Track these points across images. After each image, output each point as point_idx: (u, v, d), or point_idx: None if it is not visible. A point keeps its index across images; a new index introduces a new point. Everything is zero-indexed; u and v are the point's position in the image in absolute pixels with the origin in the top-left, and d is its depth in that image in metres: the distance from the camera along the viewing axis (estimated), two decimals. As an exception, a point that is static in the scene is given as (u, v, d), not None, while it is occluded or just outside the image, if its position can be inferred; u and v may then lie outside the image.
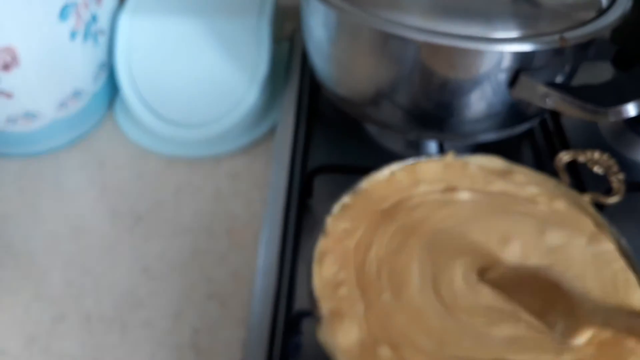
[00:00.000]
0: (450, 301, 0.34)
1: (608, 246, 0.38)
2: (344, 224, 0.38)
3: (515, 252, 0.37)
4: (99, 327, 0.49)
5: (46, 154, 0.62)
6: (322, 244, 0.37)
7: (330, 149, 0.57)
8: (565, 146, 0.55)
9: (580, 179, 0.49)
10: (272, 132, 0.62)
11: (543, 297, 0.34)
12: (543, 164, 0.55)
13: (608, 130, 0.60)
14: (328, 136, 0.58)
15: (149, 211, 0.57)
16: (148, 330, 0.48)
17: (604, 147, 0.46)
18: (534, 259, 0.37)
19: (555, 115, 0.58)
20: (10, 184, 0.60)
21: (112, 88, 0.65)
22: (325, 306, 0.34)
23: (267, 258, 0.47)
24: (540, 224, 0.39)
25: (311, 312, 0.34)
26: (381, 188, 0.41)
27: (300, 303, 0.45)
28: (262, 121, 0.62)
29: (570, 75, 0.49)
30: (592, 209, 0.40)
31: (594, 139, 0.60)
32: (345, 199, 0.40)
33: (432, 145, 0.56)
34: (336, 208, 0.39)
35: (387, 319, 0.33)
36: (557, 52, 0.45)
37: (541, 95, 0.44)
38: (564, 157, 0.44)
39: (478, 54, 0.43)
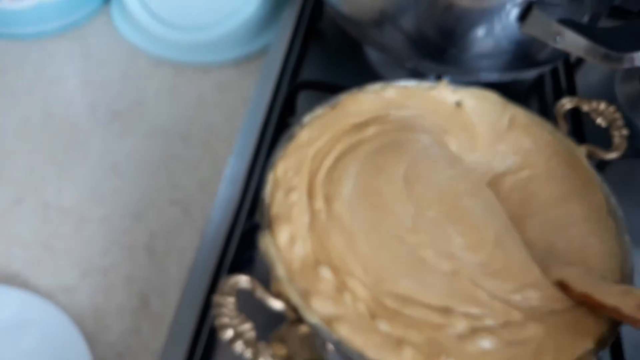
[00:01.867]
0: (383, 220, 0.32)
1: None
2: (310, 133, 0.35)
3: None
4: (56, 216, 0.47)
5: (33, 38, 0.59)
6: (284, 151, 0.34)
7: (324, 70, 0.54)
8: (574, 101, 0.51)
9: (581, 131, 0.46)
10: (267, 50, 0.58)
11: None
12: (547, 117, 0.51)
13: (625, 95, 0.56)
14: (324, 57, 0.55)
15: (128, 110, 0.54)
16: (105, 226, 0.46)
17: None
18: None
19: (568, 69, 0.54)
20: (-10, 63, 0.58)
21: (110, -21, 0.62)
22: (271, 211, 0.31)
23: (236, 168, 0.44)
24: None
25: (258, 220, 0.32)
26: (359, 104, 0.37)
27: (259, 217, 0.42)
28: (258, 36, 0.59)
29: (590, 24, 0.45)
30: (585, 161, 0.37)
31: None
32: (319, 110, 0.37)
33: (430, 79, 0.53)
34: (307, 118, 0.36)
35: (326, 237, 0.31)
36: (578, -12, 0.41)
37: (552, 33, 0.40)
38: (567, 103, 0.40)
39: (490, -24, 0.40)
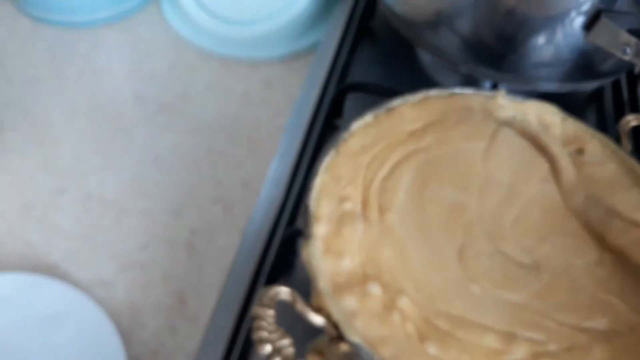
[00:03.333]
0: (432, 239, 0.30)
1: None
2: (363, 140, 0.34)
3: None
4: (97, 207, 0.47)
5: (84, 27, 0.60)
6: (332, 158, 0.33)
7: (374, 71, 0.52)
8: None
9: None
10: (315, 47, 0.57)
11: None
12: (606, 131, 0.49)
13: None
14: (374, 58, 0.53)
15: (173, 103, 0.54)
16: (146, 220, 0.46)
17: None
18: None
19: (632, 80, 0.52)
20: (42, 50, 0.58)
21: (162, -30, 0.62)
22: (317, 220, 0.30)
23: (280, 169, 0.44)
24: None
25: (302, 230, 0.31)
26: (415, 109, 0.36)
27: (301, 223, 0.41)
28: (308, 33, 0.58)
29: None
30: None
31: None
32: (369, 117, 0.36)
33: (486, 87, 0.51)
34: (356, 124, 0.35)
35: (377, 251, 0.30)
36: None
37: (621, 43, 0.38)
38: (632, 120, 0.38)
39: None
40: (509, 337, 0.28)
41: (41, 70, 0.56)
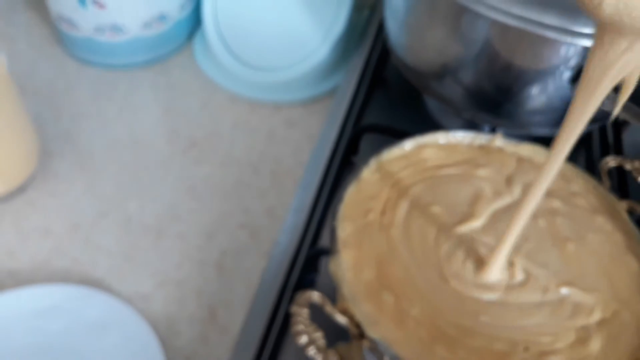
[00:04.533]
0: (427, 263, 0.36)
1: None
2: (389, 169, 0.40)
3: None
4: (137, 229, 0.52)
5: (124, 68, 0.66)
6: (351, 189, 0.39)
7: (387, 115, 0.58)
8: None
9: (626, 189, 0.49)
10: (334, 92, 0.63)
11: None
12: (593, 172, 0.54)
13: (670, 156, 0.59)
14: (387, 103, 0.59)
15: (205, 139, 0.60)
16: (180, 242, 0.51)
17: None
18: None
19: (617, 126, 0.58)
20: (86, 88, 0.64)
21: (195, 20, 0.68)
22: (341, 239, 0.36)
23: (302, 198, 0.49)
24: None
25: (329, 248, 0.36)
26: (430, 151, 0.42)
27: (324, 242, 0.47)
28: (327, 79, 0.64)
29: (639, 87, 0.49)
30: (625, 215, 0.40)
31: (652, 161, 0.59)
32: (386, 154, 0.41)
33: (485, 130, 0.57)
34: (373, 162, 0.41)
35: (386, 265, 0.35)
36: (628, 57, 0.44)
37: (601, 96, 0.44)
38: (610, 161, 0.44)
39: (546, 41, 0.44)
40: (516, 343, 0.32)
41: (85, 106, 0.62)
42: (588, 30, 0.43)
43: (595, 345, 0.33)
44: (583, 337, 0.33)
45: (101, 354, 0.44)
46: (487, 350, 0.32)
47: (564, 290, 0.35)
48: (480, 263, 0.36)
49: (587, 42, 0.43)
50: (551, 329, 0.33)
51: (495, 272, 0.35)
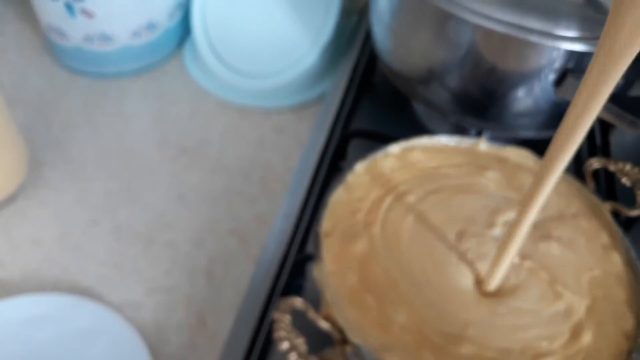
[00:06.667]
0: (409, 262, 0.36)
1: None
2: (375, 174, 0.40)
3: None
4: (127, 238, 0.52)
5: (113, 77, 0.66)
6: (340, 191, 0.39)
7: (374, 120, 0.59)
8: (606, 160, 0.55)
9: (613, 191, 0.49)
10: (322, 98, 0.64)
11: None
12: (582, 175, 0.54)
13: (658, 157, 0.59)
14: (374, 108, 0.60)
15: (195, 146, 0.60)
16: (170, 249, 0.52)
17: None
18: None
19: (604, 128, 0.58)
20: (77, 97, 0.65)
21: (184, 28, 0.69)
22: (324, 244, 0.36)
23: (290, 204, 0.49)
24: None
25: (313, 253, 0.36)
26: (428, 153, 0.42)
27: (312, 248, 0.47)
28: (315, 85, 0.64)
29: (623, 88, 0.49)
30: (608, 216, 0.41)
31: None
32: (371, 158, 0.42)
33: (472, 134, 0.57)
34: (360, 165, 0.41)
35: (367, 268, 0.35)
36: (610, 60, 0.45)
37: (584, 98, 0.44)
38: (594, 163, 0.44)
39: (529, 45, 0.44)
40: (508, 351, 0.32)
41: (76, 115, 0.63)
42: (570, 33, 0.44)
43: (587, 337, 0.34)
44: (576, 333, 0.34)
45: (90, 362, 0.44)
46: (478, 357, 0.32)
47: (557, 293, 0.35)
48: (474, 270, 0.36)
49: (570, 45, 0.44)
50: (547, 333, 0.34)
51: (491, 281, 0.35)
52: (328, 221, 0.38)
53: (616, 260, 0.38)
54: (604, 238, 0.40)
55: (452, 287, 0.35)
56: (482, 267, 0.36)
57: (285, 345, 0.30)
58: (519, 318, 0.34)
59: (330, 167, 0.52)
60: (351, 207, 0.39)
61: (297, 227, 0.48)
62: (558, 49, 0.44)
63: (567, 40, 0.43)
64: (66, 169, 0.57)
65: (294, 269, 0.45)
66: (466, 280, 0.36)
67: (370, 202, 0.39)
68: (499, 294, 0.35)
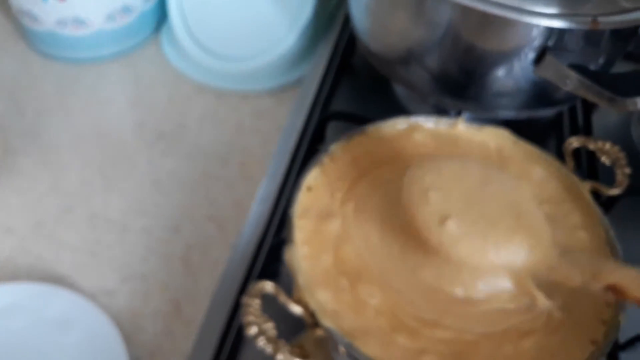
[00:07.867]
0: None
1: None
2: (352, 155, 0.39)
3: None
4: (102, 225, 0.51)
5: (89, 62, 0.65)
6: (312, 176, 0.38)
7: (354, 102, 0.58)
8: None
9: (594, 170, 0.49)
10: (301, 81, 0.62)
11: None
12: (562, 154, 0.54)
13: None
14: (354, 90, 0.59)
15: (172, 131, 0.59)
16: (146, 237, 0.51)
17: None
18: None
19: (586, 110, 0.57)
20: (50, 83, 0.63)
21: (161, 11, 0.67)
22: (297, 227, 0.35)
23: (268, 188, 0.48)
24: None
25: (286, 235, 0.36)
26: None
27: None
28: (295, 68, 0.63)
29: (604, 67, 0.48)
30: (587, 195, 0.40)
31: (622, 143, 0.58)
32: (354, 135, 0.41)
33: (452, 115, 0.56)
34: (335, 146, 0.40)
35: (341, 249, 0.34)
36: (590, 37, 0.44)
37: (562, 76, 0.43)
38: (574, 142, 0.43)
39: (508, 23, 0.43)
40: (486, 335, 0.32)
41: (49, 101, 0.61)
42: (549, 10, 0.43)
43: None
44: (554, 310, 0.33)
45: (63, 351, 0.43)
46: (453, 340, 0.32)
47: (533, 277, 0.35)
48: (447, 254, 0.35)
49: (548, 22, 0.43)
50: (527, 316, 0.33)
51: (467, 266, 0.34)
52: (301, 203, 0.37)
53: (585, 238, 0.38)
54: (575, 218, 0.39)
55: (436, 274, 0.35)
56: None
57: (253, 330, 0.29)
58: (496, 305, 0.34)
59: (309, 150, 0.51)
60: (331, 186, 0.38)
61: (274, 211, 0.47)
62: (537, 26, 0.43)
63: (546, 17, 0.43)
64: (40, 156, 0.56)
65: (270, 254, 0.44)
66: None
67: (350, 181, 0.38)
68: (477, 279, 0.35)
